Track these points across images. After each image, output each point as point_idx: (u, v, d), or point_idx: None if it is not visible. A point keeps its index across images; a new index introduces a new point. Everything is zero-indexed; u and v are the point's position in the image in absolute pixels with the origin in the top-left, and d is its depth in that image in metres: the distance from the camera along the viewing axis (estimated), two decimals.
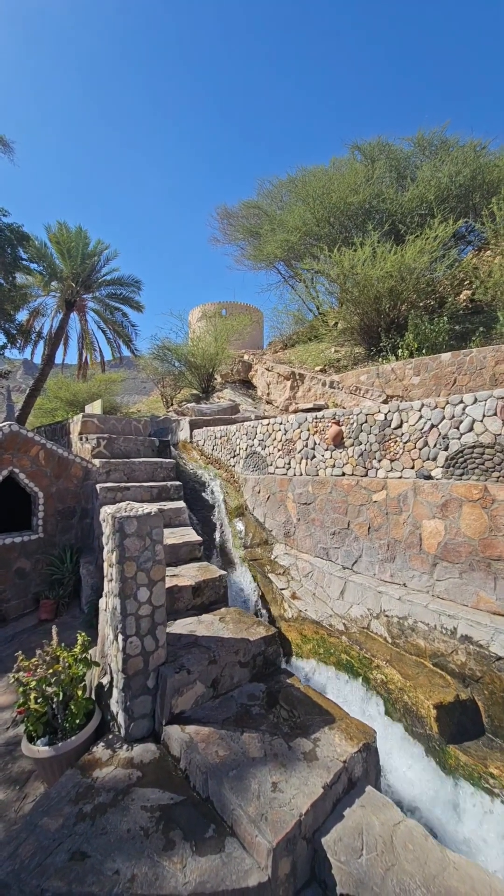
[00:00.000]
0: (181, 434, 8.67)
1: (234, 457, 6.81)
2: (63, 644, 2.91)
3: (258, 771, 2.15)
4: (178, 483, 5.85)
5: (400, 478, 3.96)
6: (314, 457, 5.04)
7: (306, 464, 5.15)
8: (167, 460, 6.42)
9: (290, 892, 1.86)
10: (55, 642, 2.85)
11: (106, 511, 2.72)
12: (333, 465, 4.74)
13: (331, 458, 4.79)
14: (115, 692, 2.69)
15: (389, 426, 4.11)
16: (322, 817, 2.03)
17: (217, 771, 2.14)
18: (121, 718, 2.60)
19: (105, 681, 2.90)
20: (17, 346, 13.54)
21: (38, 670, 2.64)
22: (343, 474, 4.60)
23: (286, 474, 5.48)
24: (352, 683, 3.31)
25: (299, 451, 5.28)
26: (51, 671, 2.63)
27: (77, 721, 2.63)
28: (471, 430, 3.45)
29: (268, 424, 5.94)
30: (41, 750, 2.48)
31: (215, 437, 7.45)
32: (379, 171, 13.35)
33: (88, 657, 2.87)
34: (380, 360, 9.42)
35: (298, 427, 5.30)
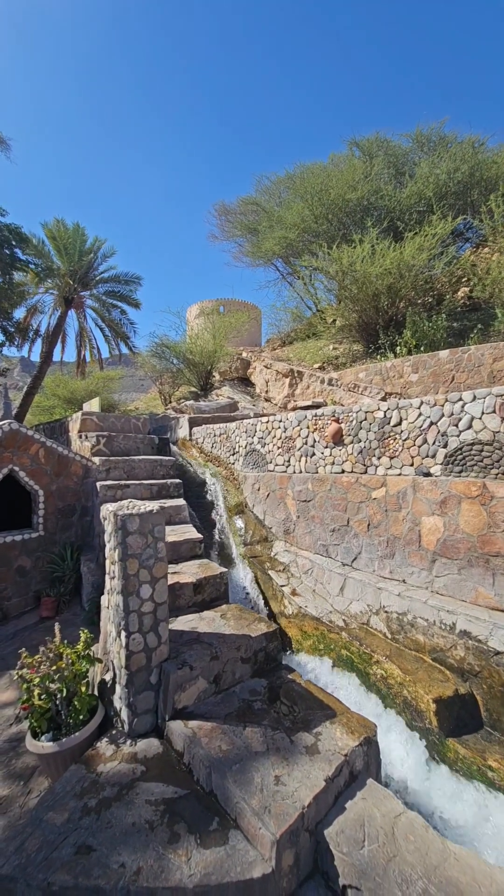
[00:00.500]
0: (180, 432, 8.67)
1: (233, 454, 6.82)
2: (65, 641, 2.92)
3: (261, 764, 2.17)
4: (178, 481, 5.85)
5: (399, 475, 3.99)
6: (314, 454, 5.06)
7: (306, 461, 5.17)
8: (167, 458, 6.42)
9: (293, 883, 1.89)
10: (58, 639, 2.86)
11: (108, 509, 2.72)
12: (333, 463, 4.76)
13: (330, 455, 4.80)
14: (118, 688, 2.71)
15: (389, 424, 4.12)
16: (324, 809, 2.06)
17: (220, 765, 2.16)
18: (124, 714, 2.62)
19: (108, 677, 2.92)
20: (15, 343, 13.48)
21: (42, 667, 2.65)
22: (343, 472, 4.62)
23: (286, 472, 5.49)
24: (352, 678, 3.34)
25: (299, 449, 5.29)
26: (54, 668, 2.64)
27: (80, 717, 2.65)
28: (469, 427, 3.47)
29: (267, 422, 5.95)
30: (45, 746, 2.49)
31: (214, 435, 7.45)
32: (377, 168, 13.33)
33: (91, 654, 2.88)
34: (378, 357, 9.44)
35: (298, 425, 5.31)
